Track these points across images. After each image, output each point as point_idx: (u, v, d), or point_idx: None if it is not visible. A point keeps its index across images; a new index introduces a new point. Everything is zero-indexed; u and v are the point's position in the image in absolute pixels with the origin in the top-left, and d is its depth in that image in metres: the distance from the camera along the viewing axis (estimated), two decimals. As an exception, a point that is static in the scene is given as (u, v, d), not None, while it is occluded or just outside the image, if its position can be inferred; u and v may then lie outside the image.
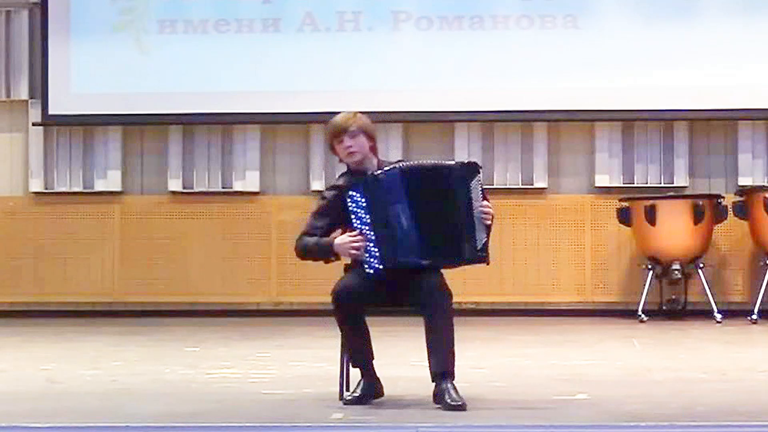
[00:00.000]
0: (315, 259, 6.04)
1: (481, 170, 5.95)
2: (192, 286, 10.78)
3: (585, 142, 10.77)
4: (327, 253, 5.94)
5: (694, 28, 10.53)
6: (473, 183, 5.86)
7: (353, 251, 5.84)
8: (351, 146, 5.95)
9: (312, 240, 5.98)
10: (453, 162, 5.99)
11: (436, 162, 6.05)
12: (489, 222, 5.89)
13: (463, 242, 5.84)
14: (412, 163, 6.06)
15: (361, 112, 6.10)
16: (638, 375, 7.03)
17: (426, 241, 5.80)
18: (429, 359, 5.80)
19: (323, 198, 6.10)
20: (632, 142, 10.72)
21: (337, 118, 6.04)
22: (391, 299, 5.92)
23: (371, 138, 6.02)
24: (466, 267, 6.06)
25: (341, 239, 5.89)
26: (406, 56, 10.74)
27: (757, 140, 10.62)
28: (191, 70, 10.87)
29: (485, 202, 5.90)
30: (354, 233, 5.84)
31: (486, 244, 5.90)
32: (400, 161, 6.14)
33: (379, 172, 5.90)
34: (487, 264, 5.94)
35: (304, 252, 6.02)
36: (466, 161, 6.03)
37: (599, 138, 10.72)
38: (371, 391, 5.96)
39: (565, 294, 10.60)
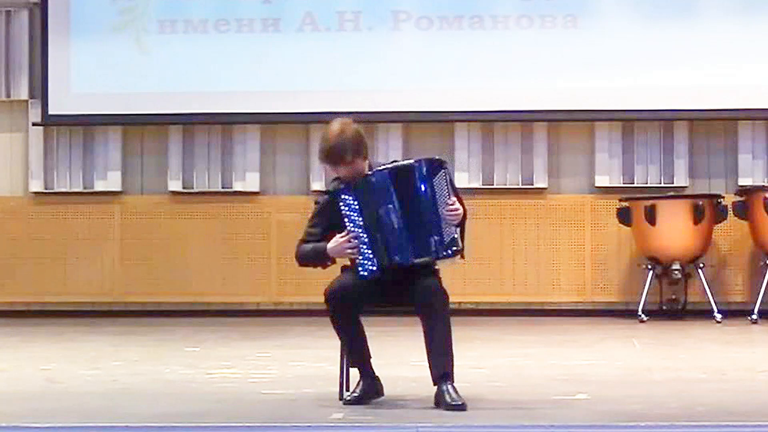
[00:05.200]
0: (313, 265, 6.07)
1: (445, 166, 5.92)
2: (192, 286, 10.78)
3: (585, 142, 10.77)
4: (322, 258, 5.97)
5: (694, 28, 10.53)
6: (436, 179, 5.86)
7: (348, 250, 5.85)
8: (347, 175, 5.94)
9: (308, 246, 6.02)
10: (414, 161, 5.93)
11: (404, 162, 6.03)
12: (455, 221, 5.88)
13: (429, 238, 5.84)
14: (398, 163, 6.07)
15: (358, 114, 6.07)
16: (638, 375, 7.03)
17: (412, 239, 5.81)
18: (429, 362, 5.81)
19: (317, 203, 6.13)
20: (632, 142, 10.72)
21: (331, 142, 5.92)
22: (387, 300, 5.94)
23: (365, 156, 5.99)
24: (459, 265, 6.07)
25: (333, 241, 5.91)
26: (406, 56, 10.74)
27: (757, 140, 10.62)
28: (191, 70, 10.87)
29: (453, 200, 5.88)
30: (344, 233, 5.86)
31: (456, 239, 5.88)
32: (393, 162, 6.14)
33: (369, 174, 5.91)
34: (462, 258, 5.94)
35: (302, 259, 6.08)
36: (431, 158, 5.96)
37: (599, 138, 10.72)
38: (371, 391, 5.97)
39: (565, 294, 10.60)
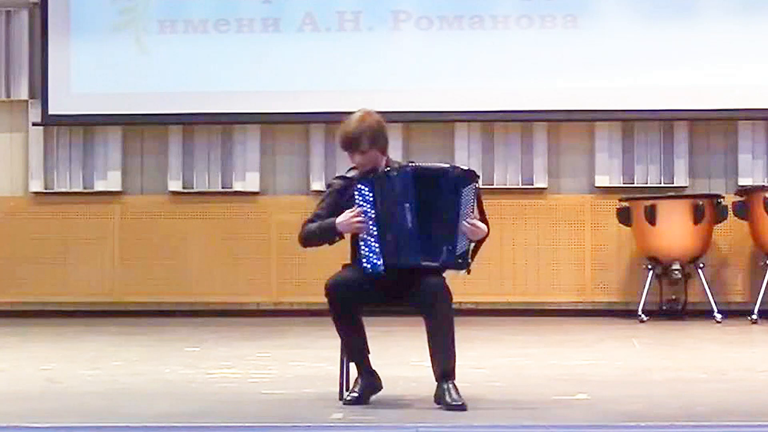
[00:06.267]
0: (319, 243, 6.04)
1: (478, 179, 5.93)
2: (192, 286, 10.78)
3: (585, 142, 10.77)
4: (330, 232, 5.93)
5: (694, 28, 10.53)
6: (465, 190, 5.85)
7: (357, 225, 5.83)
8: (362, 162, 5.95)
9: (314, 224, 6.00)
10: (449, 166, 5.96)
11: (438, 165, 6.04)
12: (473, 238, 5.87)
13: (442, 245, 5.82)
14: (420, 164, 6.05)
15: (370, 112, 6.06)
16: (638, 375, 7.03)
17: (424, 242, 5.81)
18: (431, 361, 5.81)
19: (329, 187, 6.13)
20: (632, 142, 10.72)
21: (349, 128, 5.95)
22: (389, 298, 5.93)
23: (383, 148, 5.99)
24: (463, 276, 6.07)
25: (343, 216, 5.88)
26: (406, 56, 10.74)
27: (757, 140, 10.62)
28: (191, 70, 10.87)
29: (472, 218, 5.87)
30: (354, 209, 5.83)
31: (467, 252, 5.88)
32: (411, 162, 6.12)
33: (390, 169, 5.90)
34: (468, 273, 5.94)
35: (308, 237, 6.04)
36: (465, 168, 6.00)
37: (599, 138, 10.72)
38: (370, 387, 5.97)
39: (565, 294, 10.60)
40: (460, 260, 5.88)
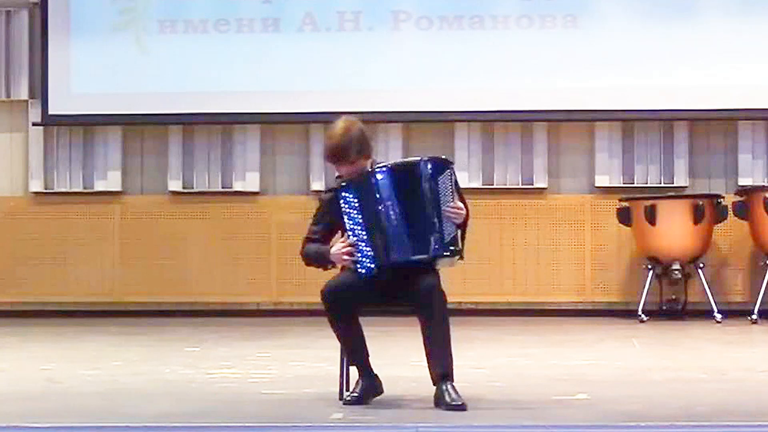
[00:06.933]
0: (317, 266, 6.08)
1: (451, 166, 5.94)
2: (192, 286, 10.78)
3: (585, 142, 10.77)
4: (324, 261, 5.98)
5: (694, 28, 10.53)
6: (441, 178, 5.86)
7: (344, 257, 5.85)
8: (349, 172, 5.95)
9: (313, 247, 6.04)
10: (420, 158, 5.94)
11: (411, 159, 6.05)
12: (457, 221, 5.88)
13: (429, 236, 5.83)
14: (398, 161, 6.09)
15: (357, 114, 6.09)
16: (638, 375, 7.03)
17: (412, 236, 5.82)
18: (428, 362, 5.81)
19: (320, 201, 6.15)
20: (632, 142, 10.72)
21: (335, 140, 5.95)
22: (387, 298, 5.94)
23: (368, 155, 5.99)
24: (459, 265, 6.06)
25: (335, 248, 5.92)
26: (406, 56, 10.74)
27: (757, 140, 10.62)
28: (191, 70, 10.87)
29: (455, 202, 5.88)
30: (344, 239, 5.86)
31: (456, 238, 5.89)
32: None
33: (370, 171, 5.91)
34: (461, 258, 5.94)
35: (308, 259, 6.09)
36: (436, 157, 5.97)
37: (599, 138, 10.72)
38: (371, 389, 5.98)
39: (565, 294, 10.60)
40: (451, 248, 5.88)
